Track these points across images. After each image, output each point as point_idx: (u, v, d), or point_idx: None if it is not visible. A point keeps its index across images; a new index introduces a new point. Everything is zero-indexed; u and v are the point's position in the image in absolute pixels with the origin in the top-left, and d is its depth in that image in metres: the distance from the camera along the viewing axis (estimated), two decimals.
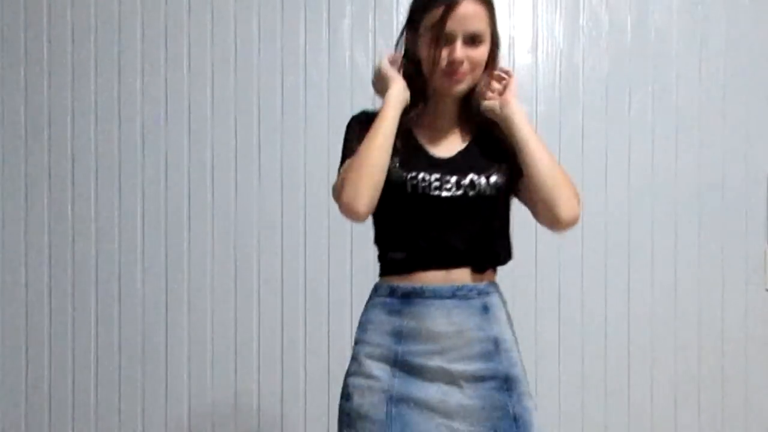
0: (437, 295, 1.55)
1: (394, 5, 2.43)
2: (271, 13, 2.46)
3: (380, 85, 1.60)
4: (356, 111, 1.64)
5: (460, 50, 1.51)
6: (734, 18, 2.52)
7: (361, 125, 1.56)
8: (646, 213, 2.49)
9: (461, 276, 1.57)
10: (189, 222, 2.49)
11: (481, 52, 1.54)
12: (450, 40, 1.50)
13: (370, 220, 1.60)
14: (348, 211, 1.50)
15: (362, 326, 1.62)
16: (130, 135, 2.49)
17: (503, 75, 1.59)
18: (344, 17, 2.46)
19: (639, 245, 2.46)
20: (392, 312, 1.58)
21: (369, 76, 2.45)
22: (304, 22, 2.48)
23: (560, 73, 2.47)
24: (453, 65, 1.52)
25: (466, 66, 1.53)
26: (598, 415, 2.45)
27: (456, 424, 1.51)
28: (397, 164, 1.55)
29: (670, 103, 2.49)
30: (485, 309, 1.57)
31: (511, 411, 1.52)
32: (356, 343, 1.61)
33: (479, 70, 1.56)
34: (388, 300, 1.59)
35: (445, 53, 1.51)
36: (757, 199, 2.51)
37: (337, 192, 1.52)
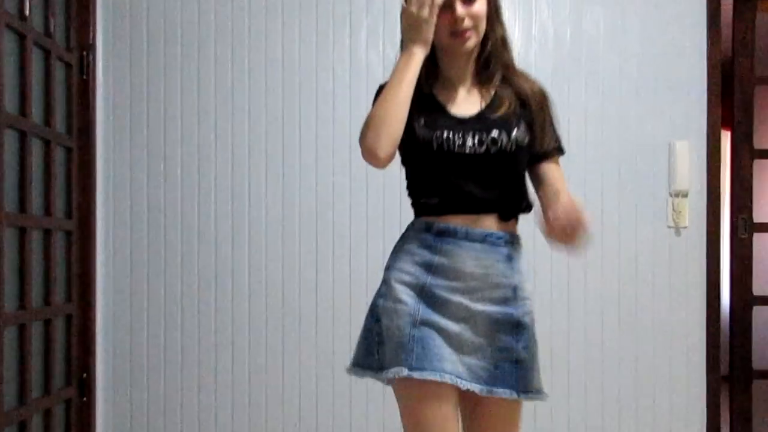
0: (469, 237, 1.49)
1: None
2: (307, 28, 2.78)
3: (414, 30, 1.43)
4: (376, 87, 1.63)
5: (460, 8, 1.45)
6: (646, 29, 2.80)
7: None
8: (580, 175, 2.73)
9: (489, 223, 1.51)
10: (215, 216, 2.76)
11: (479, 6, 1.48)
12: (448, 5, 1.46)
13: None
14: (369, 156, 1.44)
15: (396, 254, 1.56)
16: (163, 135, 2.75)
17: (571, 227, 1.41)
18: (362, 29, 2.78)
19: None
20: (426, 246, 1.51)
21: (380, 74, 2.63)
22: (332, 34, 2.80)
23: None
24: (456, 25, 1.46)
25: (468, 22, 1.46)
26: None
27: (466, 358, 1.47)
28: (423, 123, 1.48)
29: (597, 91, 2.78)
30: (509, 258, 1.52)
31: (515, 355, 1.49)
32: (387, 268, 1.55)
33: (482, 25, 1.49)
34: (423, 235, 1.52)
35: (446, 20, 1.47)
36: (662, 161, 2.80)
37: (361, 135, 1.46)
